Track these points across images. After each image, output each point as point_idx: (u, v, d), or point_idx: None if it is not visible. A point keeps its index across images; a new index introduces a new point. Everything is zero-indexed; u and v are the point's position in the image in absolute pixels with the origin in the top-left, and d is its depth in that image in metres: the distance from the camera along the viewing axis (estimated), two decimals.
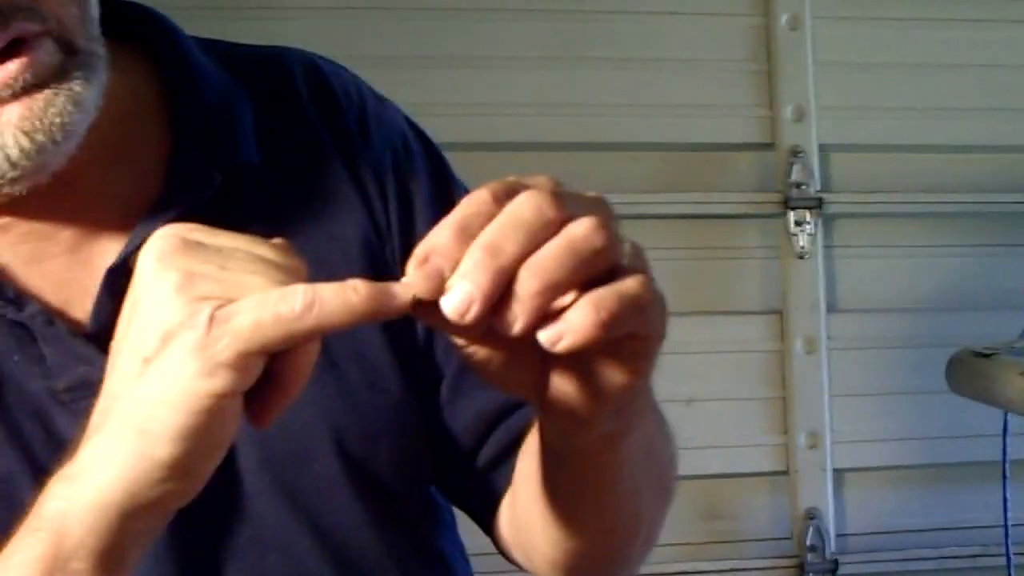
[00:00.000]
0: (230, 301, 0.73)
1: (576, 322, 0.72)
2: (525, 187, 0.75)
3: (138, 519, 0.79)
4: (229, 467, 1.03)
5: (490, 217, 0.73)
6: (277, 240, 0.79)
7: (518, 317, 0.72)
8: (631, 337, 0.76)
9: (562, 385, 0.80)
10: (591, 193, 0.77)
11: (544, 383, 0.81)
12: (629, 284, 0.73)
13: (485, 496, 1.15)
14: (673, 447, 1.07)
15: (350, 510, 1.08)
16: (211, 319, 0.72)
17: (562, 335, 0.73)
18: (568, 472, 0.94)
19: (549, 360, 0.80)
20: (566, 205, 0.73)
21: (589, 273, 0.72)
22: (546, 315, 0.73)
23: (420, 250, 0.73)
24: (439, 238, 0.73)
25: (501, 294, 0.72)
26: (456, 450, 1.14)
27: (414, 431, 1.11)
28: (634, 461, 0.93)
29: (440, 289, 0.72)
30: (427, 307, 0.73)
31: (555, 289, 0.72)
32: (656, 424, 0.99)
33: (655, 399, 0.92)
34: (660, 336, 0.78)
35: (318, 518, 1.07)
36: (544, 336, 0.73)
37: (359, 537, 1.09)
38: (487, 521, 1.17)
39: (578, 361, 0.78)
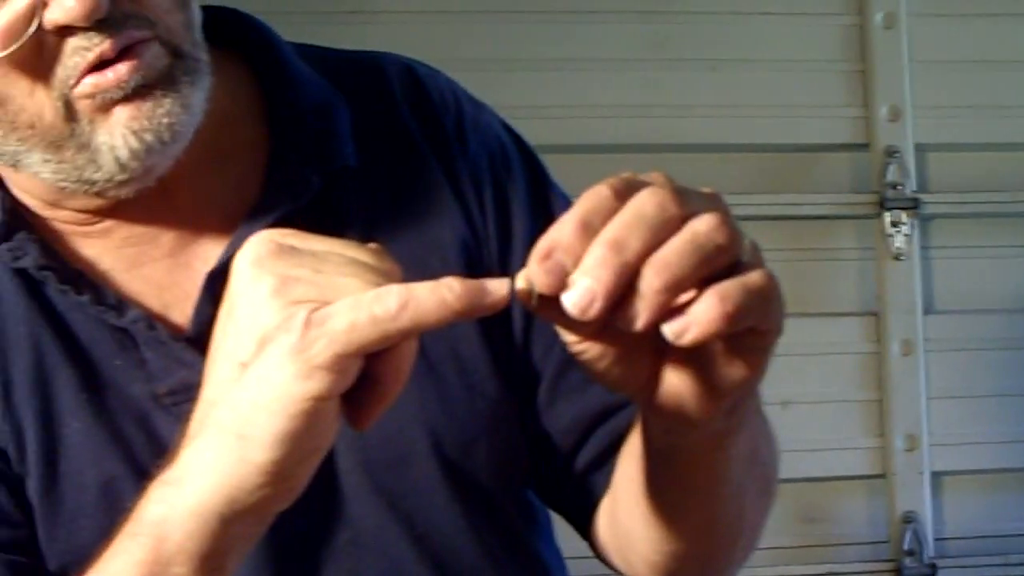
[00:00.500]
0: (325, 304, 0.73)
1: (702, 315, 0.72)
2: (644, 184, 0.75)
3: (238, 523, 0.80)
4: (328, 469, 1.04)
5: (611, 213, 0.73)
6: (372, 244, 0.80)
7: (640, 313, 0.72)
8: (751, 331, 0.76)
9: (677, 382, 0.80)
10: (707, 190, 0.77)
11: (656, 381, 0.81)
12: (753, 277, 0.74)
13: (583, 499, 1.14)
14: (775, 448, 1.06)
15: (447, 512, 1.08)
16: (307, 322, 0.73)
17: (688, 327, 0.73)
18: (673, 473, 0.94)
19: (663, 357, 0.80)
20: (686, 201, 0.73)
21: (711, 269, 0.73)
22: (668, 311, 0.73)
23: (542, 245, 0.73)
24: (561, 233, 0.73)
25: (623, 290, 0.72)
26: (554, 452, 1.13)
27: (511, 433, 1.11)
28: (740, 462, 0.93)
29: (561, 285, 0.72)
30: (546, 302, 0.73)
31: (678, 285, 0.72)
32: (760, 425, 0.98)
33: (760, 399, 0.92)
34: (779, 330, 0.78)
35: (415, 520, 1.07)
36: (669, 329, 0.73)
37: (456, 539, 1.09)
38: (584, 524, 1.16)
39: (696, 356, 0.79)
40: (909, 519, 2.75)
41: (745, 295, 0.73)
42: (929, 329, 2.78)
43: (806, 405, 2.73)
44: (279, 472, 0.76)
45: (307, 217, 1.04)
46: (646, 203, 0.72)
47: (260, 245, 0.77)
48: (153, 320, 1.04)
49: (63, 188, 1.00)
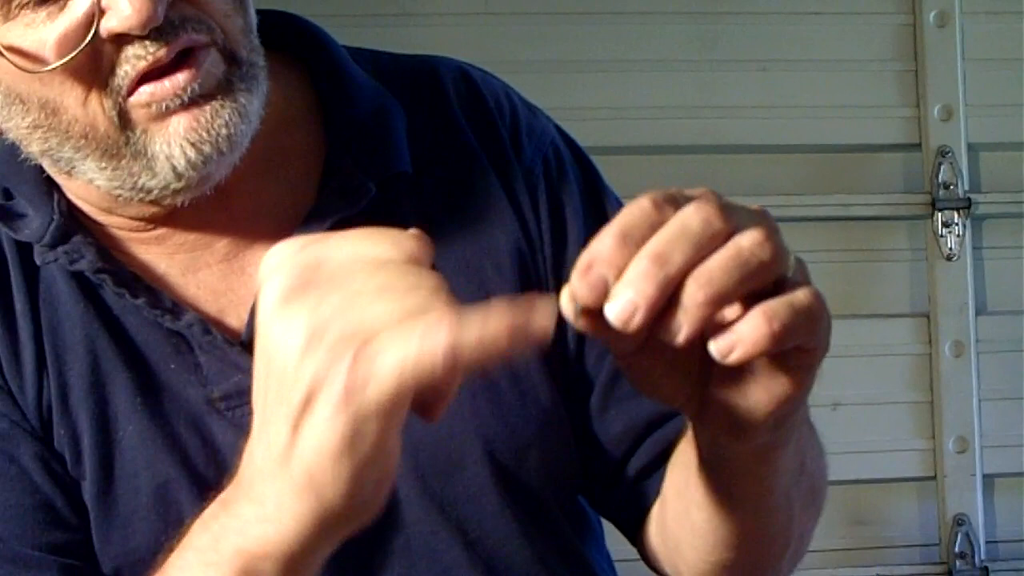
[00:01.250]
0: (365, 342, 0.70)
1: (748, 333, 0.72)
2: (688, 197, 0.74)
3: (321, 553, 0.80)
4: None
5: (653, 225, 0.72)
6: (410, 231, 0.77)
7: (683, 327, 0.72)
8: (798, 349, 0.75)
9: (723, 396, 0.80)
10: (754, 206, 0.76)
11: (702, 394, 0.81)
12: (800, 296, 0.73)
13: (633, 506, 1.14)
14: (823, 459, 1.06)
15: (500, 518, 1.08)
16: (351, 371, 0.70)
17: (734, 346, 0.73)
18: (720, 483, 0.94)
19: (710, 371, 0.80)
20: (732, 217, 0.73)
21: (756, 285, 0.72)
22: (711, 325, 0.73)
23: (584, 259, 0.73)
24: (602, 246, 0.72)
25: (666, 303, 0.72)
26: (605, 459, 1.13)
27: (563, 440, 1.11)
28: (787, 473, 0.92)
29: (603, 297, 0.72)
30: (591, 315, 0.73)
31: (722, 300, 0.72)
32: (808, 436, 0.97)
33: (807, 412, 0.91)
34: (825, 349, 0.78)
35: (467, 526, 1.07)
36: (715, 347, 0.73)
37: (508, 545, 1.09)
38: (634, 531, 1.16)
39: (742, 372, 0.78)
40: (960, 521, 2.74)
41: (792, 314, 0.73)
42: (981, 330, 2.76)
43: (857, 407, 2.73)
44: (358, 508, 0.76)
45: (361, 223, 1.04)
46: (691, 217, 0.72)
47: (278, 281, 0.74)
48: (208, 325, 1.04)
49: (118, 196, 1.01)
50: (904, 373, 2.77)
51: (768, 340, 0.72)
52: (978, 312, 2.77)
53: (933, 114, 2.76)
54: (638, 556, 1.18)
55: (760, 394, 0.79)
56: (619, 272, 0.72)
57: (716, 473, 0.93)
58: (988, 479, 2.77)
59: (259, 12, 1.05)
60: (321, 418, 0.72)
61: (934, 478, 2.77)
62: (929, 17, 2.77)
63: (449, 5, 2.69)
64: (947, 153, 2.75)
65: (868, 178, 2.78)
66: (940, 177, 2.75)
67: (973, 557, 2.74)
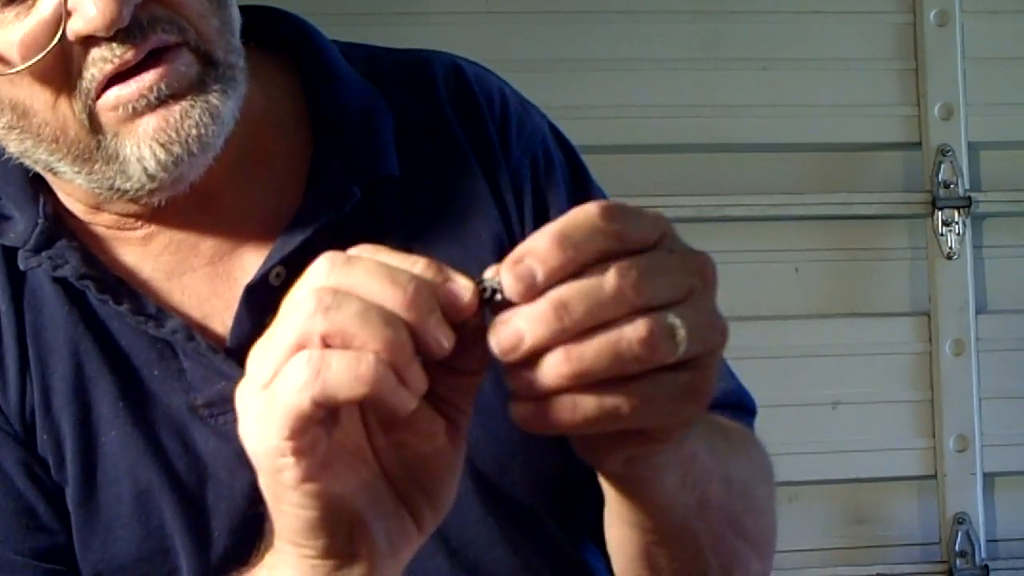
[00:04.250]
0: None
1: (552, 414, 0.72)
2: (637, 214, 0.73)
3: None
4: None
5: (594, 233, 0.72)
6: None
7: (534, 385, 0.72)
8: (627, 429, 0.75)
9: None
10: (695, 254, 0.75)
11: None
12: (618, 395, 0.72)
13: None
14: (760, 486, 1.04)
15: (482, 526, 1.07)
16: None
17: (528, 418, 0.73)
18: (612, 504, 0.93)
19: None
20: (646, 289, 0.71)
21: (625, 373, 0.71)
22: None
23: (516, 252, 0.72)
24: (537, 243, 0.72)
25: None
26: (583, 467, 1.10)
27: (551, 446, 1.08)
28: (677, 508, 0.90)
29: (527, 293, 0.71)
30: (493, 309, 0.72)
31: (581, 379, 0.71)
32: (717, 469, 0.94)
33: (702, 452, 0.89)
34: (667, 428, 0.77)
35: (450, 534, 1.06)
36: (515, 410, 0.74)
37: (492, 554, 1.08)
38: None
39: None
40: (960, 520, 2.74)
41: (598, 412, 0.72)
42: (981, 329, 2.76)
43: (857, 405, 2.72)
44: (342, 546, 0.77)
45: (347, 227, 1.04)
46: (608, 281, 0.71)
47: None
48: (192, 330, 1.03)
49: (100, 195, 1.01)
50: (904, 372, 2.76)
51: (569, 425, 0.72)
52: (978, 311, 2.77)
53: (933, 113, 2.76)
54: None
55: (605, 438, 0.78)
56: (548, 271, 0.71)
57: (608, 496, 0.92)
58: (988, 478, 2.77)
59: (248, 8, 1.04)
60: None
61: (934, 477, 2.76)
62: (930, 16, 2.77)
63: (449, 4, 2.69)
64: (947, 152, 2.75)
65: (868, 177, 2.78)
66: (940, 176, 2.74)
67: (973, 556, 2.73)
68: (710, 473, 0.92)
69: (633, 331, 0.71)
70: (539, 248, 0.71)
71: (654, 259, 0.73)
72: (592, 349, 0.71)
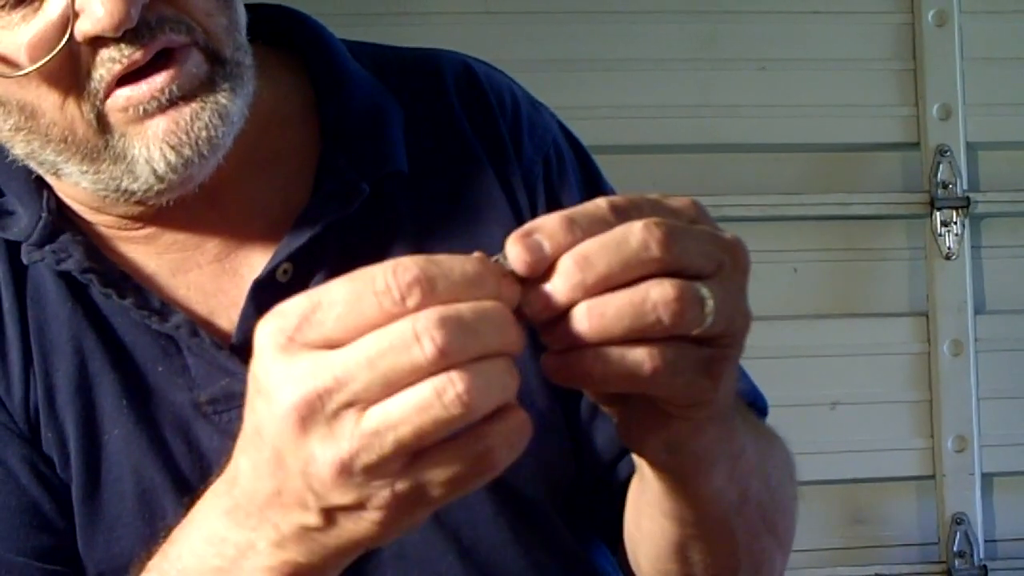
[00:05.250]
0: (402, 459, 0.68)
1: (577, 367, 0.72)
2: (656, 205, 0.73)
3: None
4: None
5: (603, 221, 0.71)
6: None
7: (560, 340, 0.71)
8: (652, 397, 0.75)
9: (613, 406, 0.81)
10: (728, 235, 0.75)
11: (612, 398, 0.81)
12: (637, 353, 0.71)
13: (617, 514, 1.09)
14: (786, 484, 1.04)
15: (493, 526, 1.07)
16: (397, 494, 0.69)
17: (560, 368, 0.73)
18: (654, 498, 0.93)
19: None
20: (674, 248, 0.71)
21: (647, 335, 0.71)
22: None
23: (523, 227, 0.71)
24: (546, 221, 0.71)
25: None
26: (594, 466, 1.11)
27: (559, 444, 1.09)
28: (721, 501, 0.90)
29: (535, 265, 0.70)
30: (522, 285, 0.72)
31: (603, 338, 0.71)
32: (756, 463, 0.94)
33: (742, 443, 0.90)
34: (693, 404, 0.77)
35: (461, 533, 1.05)
36: (546, 363, 0.73)
37: (503, 553, 1.07)
38: (616, 540, 1.13)
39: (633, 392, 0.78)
40: (959, 520, 2.74)
41: (617, 369, 0.71)
42: (979, 329, 2.76)
43: (856, 406, 2.73)
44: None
45: (355, 224, 1.04)
46: (633, 233, 0.70)
47: (284, 393, 0.69)
48: (197, 326, 1.03)
49: (104, 197, 1.00)
50: (903, 372, 2.77)
51: (593, 381, 0.72)
52: (977, 311, 2.77)
53: (932, 113, 2.76)
54: None
55: (644, 417, 0.78)
56: (556, 245, 0.70)
57: (650, 488, 0.92)
58: (987, 478, 2.77)
59: (255, 6, 1.03)
60: (359, 528, 0.72)
61: (933, 477, 2.76)
62: (928, 16, 2.77)
63: (449, 4, 2.69)
64: (946, 152, 2.75)
65: (867, 177, 2.78)
66: (939, 176, 2.74)
67: (972, 556, 2.74)
68: (752, 469, 0.92)
69: (660, 292, 0.70)
70: (548, 225, 0.71)
71: (683, 225, 0.72)
72: (614, 305, 0.70)
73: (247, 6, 1.02)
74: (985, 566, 2.74)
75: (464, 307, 0.67)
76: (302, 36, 1.13)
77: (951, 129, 2.76)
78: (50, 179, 1.04)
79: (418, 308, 0.66)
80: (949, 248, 2.74)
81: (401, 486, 0.68)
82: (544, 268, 0.70)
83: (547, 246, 0.70)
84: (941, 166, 2.74)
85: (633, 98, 2.71)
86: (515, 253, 0.70)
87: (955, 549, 2.73)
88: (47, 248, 1.02)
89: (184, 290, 1.06)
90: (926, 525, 2.78)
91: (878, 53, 2.79)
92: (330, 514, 0.72)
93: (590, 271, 0.70)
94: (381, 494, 0.69)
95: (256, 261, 1.05)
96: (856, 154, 2.78)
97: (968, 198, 2.74)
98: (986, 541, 2.77)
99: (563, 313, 0.71)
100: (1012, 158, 2.81)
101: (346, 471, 0.68)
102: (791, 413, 2.62)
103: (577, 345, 0.71)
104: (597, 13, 2.71)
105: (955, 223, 2.74)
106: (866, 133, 2.77)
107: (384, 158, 1.07)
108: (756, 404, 1.16)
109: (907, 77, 2.78)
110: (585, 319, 0.70)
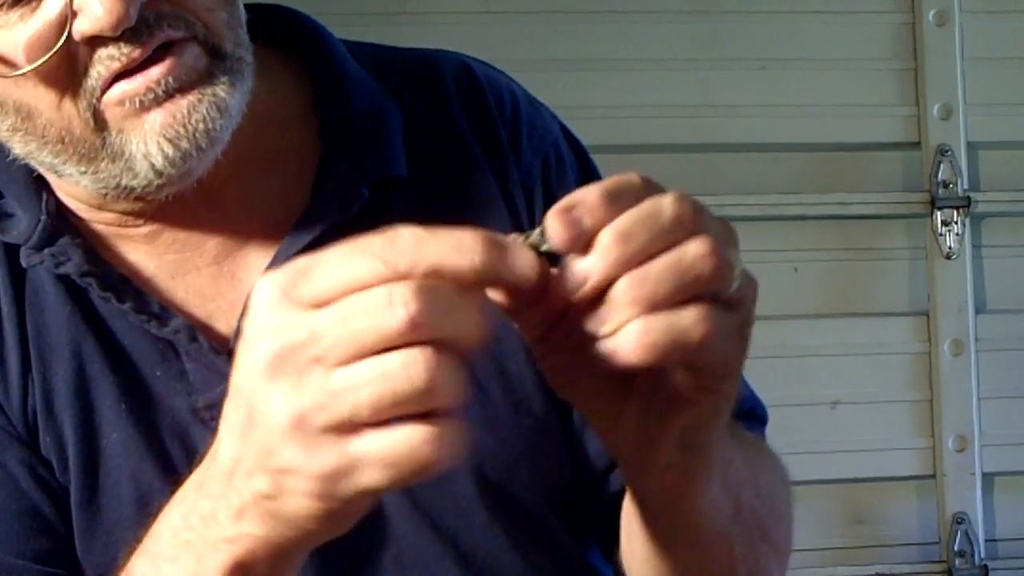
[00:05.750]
0: (353, 430, 0.68)
1: (626, 344, 0.71)
2: (663, 190, 0.74)
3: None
4: None
5: (637, 193, 0.72)
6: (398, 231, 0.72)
7: (606, 321, 0.71)
8: (690, 368, 0.75)
9: (627, 407, 0.80)
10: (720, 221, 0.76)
11: (619, 398, 0.81)
12: (687, 316, 0.71)
13: (611, 522, 1.09)
14: (779, 493, 1.04)
15: (489, 531, 1.06)
16: (337, 466, 0.69)
17: (613, 352, 0.72)
18: (648, 515, 0.93)
19: (619, 379, 0.79)
20: (700, 218, 0.72)
21: (688, 296, 0.71)
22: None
23: (564, 202, 0.72)
24: (586, 195, 0.71)
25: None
26: (589, 473, 1.11)
27: (556, 450, 1.09)
28: (717, 513, 0.90)
29: (575, 241, 0.71)
30: (545, 263, 0.72)
31: (649, 304, 0.71)
32: (748, 471, 0.95)
33: (732, 449, 0.90)
34: (724, 375, 0.77)
35: (458, 539, 1.05)
36: (593, 354, 0.73)
37: (500, 559, 1.07)
38: (612, 549, 1.12)
39: (642, 384, 0.78)
40: (960, 520, 2.74)
41: (670, 335, 0.71)
42: (980, 329, 2.76)
43: (856, 405, 2.73)
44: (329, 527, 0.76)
45: (354, 227, 1.03)
46: (667, 205, 0.72)
47: (267, 341, 0.70)
48: (196, 331, 1.02)
49: (105, 195, 1.00)
50: (903, 372, 2.77)
51: (642, 353, 0.71)
52: (977, 311, 2.77)
53: (932, 113, 2.76)
54: None
55: (659, 405, 0.78)
56: (597, 221, 0.71)
57: (644, 505, 0.92)
58: (987, 477, 2.77)
59: (255, 6, 1.03)
60: (295, 503, 0.72)
61: (933, 477, 2.76)
62: (928, 16, 2.77)
63: (449, 4, 2.69)
64: (946, 152, 2.75)
65: (867, 177, 2.78)
66: (939, 176, 2.74)
67: (972, 555, 2.74)
68: (743, 478, 0.92)
69: (695, 247, 0.71)
70: (588, 200, 0.71)
71: (695, 203, 0.73)
72: (656, 268, 0.70)
73: (247, 6, 1.02)
74: (986, 566, 2.74)
75: (447, 286, 0.68)
76: (302, 36, 1.13)
77: (952, 129, 2.76)
78: (50, 177, 1.04)
79: (404, 278, 0.67)
80: (950, 248, 2.74)
81: (341, 458, 0.68)
82: (583, 244, 0.71)
83: (587, 222, 0.71)
84: (942, 166, 2.74)
85: (633, 98, 2.71)
86: (555, 229, 0.71)
87: (956, 549, 2.73)
88: (46, 251, 1.02)
89: (182, 293, 1.05)
90: (927, 525, 2.78)
91: (879, 53, 2.78)
92: (278, 478, 0.71)
93: (630, 245, 0.70)
94: (323, 458, 0.69)
95: (254, 264, 1.05)
96: (857, 154, 2.78)
97: (969, 198, 2.74)
98: (987, 541, 2.77)
99: (600, 293, 0.71)
100: (1012, 158, 2.80)
101: (299, 425, 0.68)
102: (791, 413, 2.62)
103: (619, 318, 0.71)
104: (597, 13, 2.71)
105: (956, 223, 2.74)
106: (867, 133, 2.77)
107: (384, 161, 1.07)
108: (755, 411, 1.16)
109: (908, 77, 2.78)
110: (632, 287, 0.70)
